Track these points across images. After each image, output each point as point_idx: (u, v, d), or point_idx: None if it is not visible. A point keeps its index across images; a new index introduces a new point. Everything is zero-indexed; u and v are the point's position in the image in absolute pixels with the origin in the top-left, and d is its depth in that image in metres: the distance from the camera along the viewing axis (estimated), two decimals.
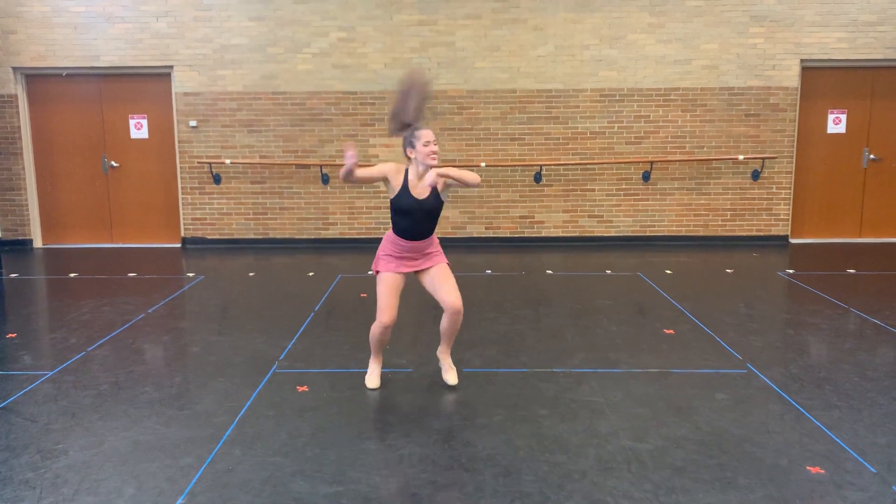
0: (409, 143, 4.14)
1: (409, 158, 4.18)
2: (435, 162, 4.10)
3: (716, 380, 4.54)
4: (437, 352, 4.57)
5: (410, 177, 4.15)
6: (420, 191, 4.13)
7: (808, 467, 3.40)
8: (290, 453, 3.58)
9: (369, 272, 7.75)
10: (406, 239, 4.21)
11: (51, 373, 4.74)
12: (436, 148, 4.11)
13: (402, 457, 3.54)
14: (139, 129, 9.43)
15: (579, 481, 3.29)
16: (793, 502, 3.10)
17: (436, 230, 4.36)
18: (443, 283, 4.24)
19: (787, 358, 4.96)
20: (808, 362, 4.89)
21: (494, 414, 4.04)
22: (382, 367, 4.67)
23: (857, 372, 4.68)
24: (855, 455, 3.52)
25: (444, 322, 4.33)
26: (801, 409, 4.08)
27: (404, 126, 4.18)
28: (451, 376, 4.46)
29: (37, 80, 9.32)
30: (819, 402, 4.17)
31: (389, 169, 4.14)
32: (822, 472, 3.36)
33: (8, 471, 3.42)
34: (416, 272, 4.34)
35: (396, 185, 4.13)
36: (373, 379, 4.49)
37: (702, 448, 3.61)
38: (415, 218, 4.15)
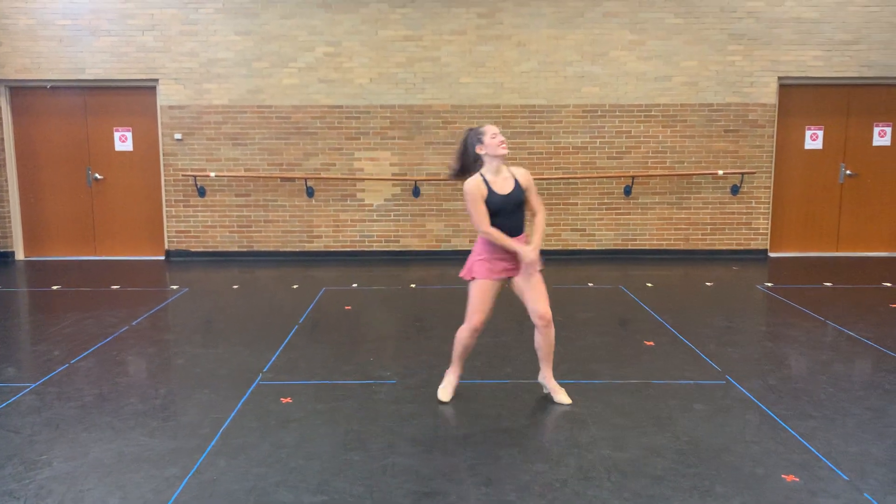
0: (476, 141, 4.22)
1: (478, 156, 4.24)
2: (505, 151, 4.19)
3: (695, 391, 4.62)
4: (539, 377, 4.48)
5: (488, 177, 4.21)
6: (502, 186, 4.20)
7: (783, 476, 3.48)
8: (274, 464, 3.62)
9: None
10: (509, 236, 4.22)
11: (34, 385, 4.74)
12: (503, 139, 4.21)
13: (386, 467, 3.58)
14: (124, 141, 9.45)
15: (560, 490, 3.34)
16: None
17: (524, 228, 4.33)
18: (531, 290, 4.26)
19: (765, 369, 5.05)
20: (785, 374, 4.98)
21: (477, 424, 4.10)
22: (370, 380, 4.71)
23: (832, 383, 4.78)
24: (828, 463, 3.60)
25: (537, 338, 4.31)
26: (777, 419, 4.17)
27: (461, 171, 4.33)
28: (562, 396, 4.39)
29: (21, 92, 9.32)
30: (795, 413, 4.26)
31: (476, 191, 4.15)
32: (797, 480, 3.44)
33: None
34: (511, 277, 4.31)
35: (485, 194, 4.17)
36: (446, 391, 4.45)
37: (680, 457, 3.68)
38: (506, 212, 4.20)
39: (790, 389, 4.66)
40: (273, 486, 3.38)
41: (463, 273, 4.36)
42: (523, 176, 4.29)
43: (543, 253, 9.78)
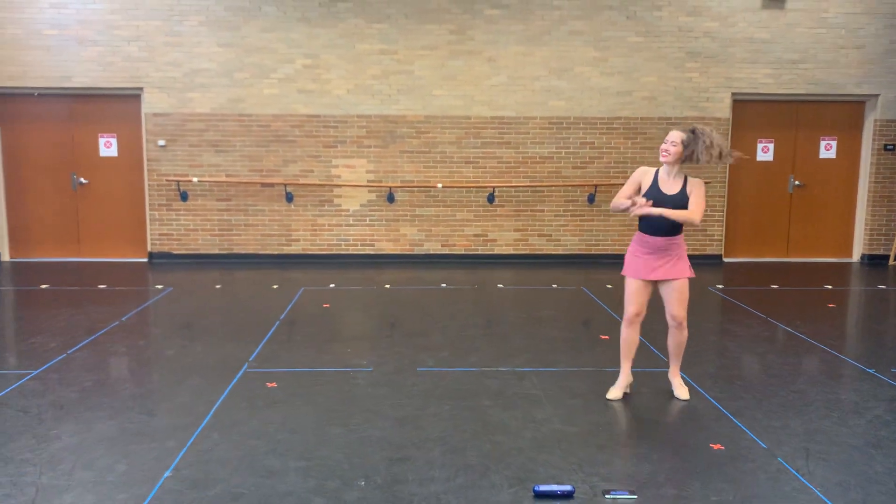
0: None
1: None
2: (663, 158, 4.44)
3: (642, 376, 5.12)
4: (669, 374, 4.82)
5: (661, 174, 4.54)
6: (669, 187, 4.46)
7: (710, 445, 3.99)
8: (262, 436, 4.05)
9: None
10: (649, 234, 4.48)
11: (35, 372, 5.11)
12: (668, 147, 4.42)
13: (363, 439, 4.03)
14: (109, 147, 9.79)
15: (516, 456, 3.82)
16: (694, 471, 3.68)
17: (679, 233, 4.52)
18: (672, 297, 4.55)
19: (707, 359, 5.58)
20: (723, 363, 5.52)
21: (444, 404, 4.56)
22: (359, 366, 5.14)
23: (765, 370, 5.32)
24: (751, 435, 4.12)
25: (668, 338, 4.69)
26: (712, 399, 4.69)
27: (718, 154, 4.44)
28: (682, 392, 4.69)
29: (9, 99, 9.62)
30: (728, 395, 4.78)
31: (639, 173, 4.57)
32: (722, 448, 3.95)
33: (8, 452, 3.82)
34: (658, 281, 4.54)
35: (646, 184, 4.52)
36: (613, 389, 4.72)
37: (623, 430, 4.18)
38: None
39: (727, 376, 5.19)
40: (262, 455, 3.82)
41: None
42: (691, 183, 4.46)
43: (511, 256, 10.20)
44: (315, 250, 9.90)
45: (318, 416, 4.35)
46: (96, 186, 9.87)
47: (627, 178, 9.79)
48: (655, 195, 4.45)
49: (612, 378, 5.07)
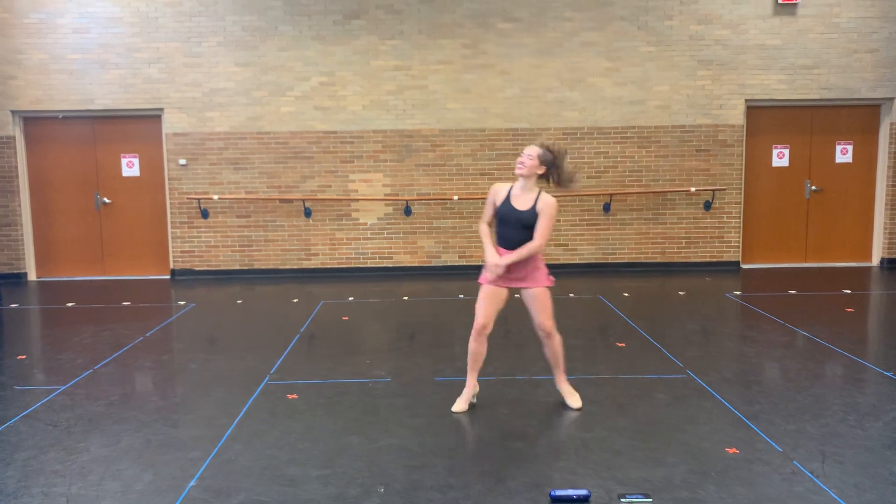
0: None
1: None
2: (518, 171, 4.50)
3: (657, 383, 5.16)
4: (555, 382, 4.80)
5: (514, 190, 4.58)
6: (521, 202, 4.51)
7: (726, 449, 4.02)
8: (283, 446, 4.14)
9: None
10: (505, 248, 4.54)
11: (63, 387, 5.25)
12: (524, 159, 4.49)
13: (381, 447, 4.10)
14: (131, 167, 10.00)
15: (533, 463, 3.88)
16: (709, 474, 3.71)
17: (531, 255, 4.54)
18: (534, 307, 4.60)
19: (722, 365, 5.60)
20: (740, 368, 5.54)
21: (464, 413, 4.62)
22: (373, 377, 5.22)
23: (782, 375, 5.34)
24: (767, 439, 4.15)
25: (544, 349, 4.73)
26: (727, 404, 4.72)
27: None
28: (573, 400, 4.69)
29: (34, 122, 9.88)
30: (744, 399, 4.80)
31: (492, 192, 4.62)
32: (738, 451, 3.98)
33: (39, 464, 3.94)
34: (519, 290, 4.62)
35: (500, 199, 4.59)
36: (458, 401, 4.68)
37: (638, 436, 4.22)
38: (510, 226, 4.50)
39: (743, 381, 5.21)
40: (284, 464, 3.91)
41: None
42: (542, 201, 4.47)
43: None
44: (334, 264, 10.03)
45: (338, 425, 4.44)
46: (119, 206, 10.08)
47: (642, 186, 9.89)
48: (507, 211, 4.52)
49: (628, 384, 5.12)
